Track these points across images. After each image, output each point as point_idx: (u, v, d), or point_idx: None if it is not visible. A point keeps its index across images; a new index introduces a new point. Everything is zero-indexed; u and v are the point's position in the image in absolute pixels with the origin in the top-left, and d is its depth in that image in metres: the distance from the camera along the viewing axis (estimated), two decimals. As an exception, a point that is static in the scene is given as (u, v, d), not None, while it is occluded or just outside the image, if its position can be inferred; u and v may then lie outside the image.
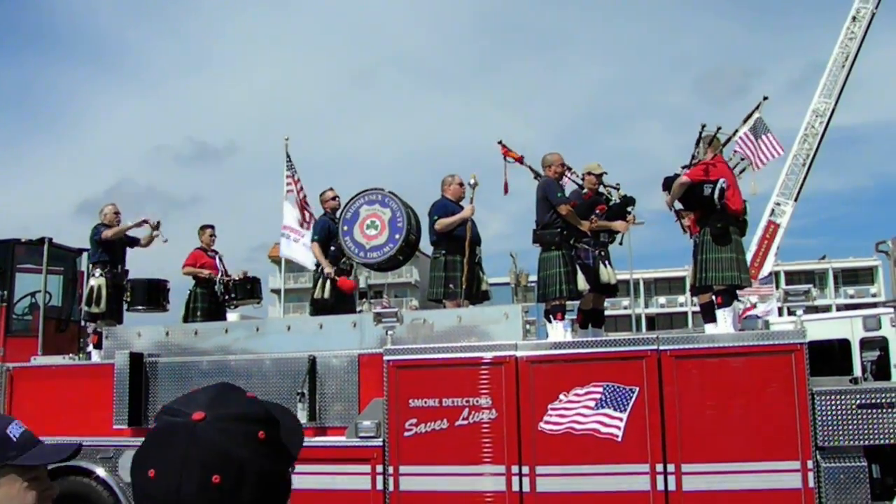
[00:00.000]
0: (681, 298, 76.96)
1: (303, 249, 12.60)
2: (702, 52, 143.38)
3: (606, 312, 11.04)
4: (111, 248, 11.12)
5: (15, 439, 2.13)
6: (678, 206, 9.33)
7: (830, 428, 7.45)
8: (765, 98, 10.43)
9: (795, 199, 30.52)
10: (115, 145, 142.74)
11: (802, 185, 30.71)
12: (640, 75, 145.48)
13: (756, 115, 10.18)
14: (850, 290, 74.06)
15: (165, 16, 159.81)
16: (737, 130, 9.85)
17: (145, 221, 11.46)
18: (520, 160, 10.54)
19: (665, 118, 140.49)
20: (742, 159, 9.97)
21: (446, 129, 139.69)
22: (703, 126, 9.08)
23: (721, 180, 8.42)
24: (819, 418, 7.45)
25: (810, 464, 7.36)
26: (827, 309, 55.06)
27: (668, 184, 8.98)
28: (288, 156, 13.55)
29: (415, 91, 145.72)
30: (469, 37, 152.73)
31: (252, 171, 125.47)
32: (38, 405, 9.91)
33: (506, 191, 10.58)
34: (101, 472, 9.16)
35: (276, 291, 53.66)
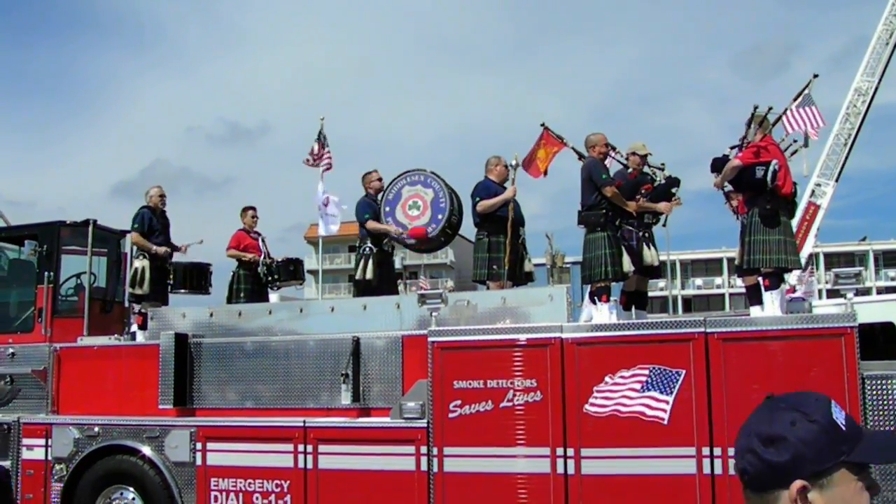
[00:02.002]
0: (718, 280, 76.43)
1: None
2: (741, 29, 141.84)
3: (643, 294, 10.94)
4: (155, 231, 11.23)
5: (844, 428, 1.81)
6: (728, 187, 9.21)
7: (881, 412, 7.32)
8: (815, 76, 10.25)
9: (836, 180, 30.14)
10: (149, 127, 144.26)
11: (843, 165, 30.31)
12: (679, 52, 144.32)
13: (806, 92, 10.00)
14: (892, 273, 73.06)
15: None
16: (786, 109, 9.66)
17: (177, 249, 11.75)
18: (562, 143, 10.49)
19: (705, 96, 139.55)
20: (794, 140, 9.81)
21: (484, 108, 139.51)
22: (756, 107, 8.92)
23: (773, 162, 8.28)
24: (869, 403, 7.32)
25: (860, 449, 7.24)
26: (867, 291, 54.39)
27: (716, 165, 8.85)
28: (321, 134, 13.54)
29: (451, 71, 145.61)
30: (506, 16, 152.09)
31: (285, 151, 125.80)
32: (85, 385, 10.07)
33: (545, 173, 10.53)
34: (147, 450, 9.26)
35: (313, 272, 53.90)
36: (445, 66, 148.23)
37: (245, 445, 8.91)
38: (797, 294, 16.36)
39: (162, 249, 11.22)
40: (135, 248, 11.35)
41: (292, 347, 9.18)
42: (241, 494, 8.82)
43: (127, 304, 11.84)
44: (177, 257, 11.65)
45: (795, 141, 9.82)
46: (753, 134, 8.74)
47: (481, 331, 8.34)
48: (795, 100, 9.79)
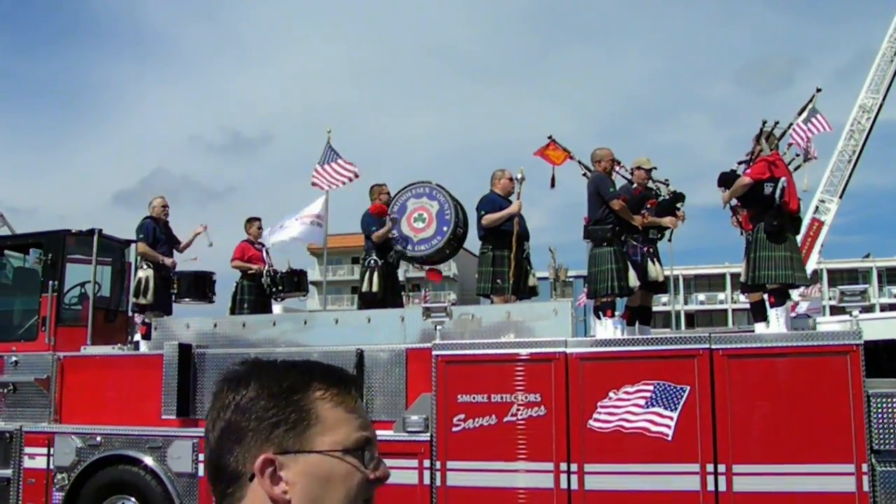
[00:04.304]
0: (720, 295, 76.34)
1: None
2: (746, 43, 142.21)
3: (646, 309, 10.90)
4: (159, 241, 11.24)
5: None
6: (734, 201, 9.21)
7: (886, 431, 7.28)
8: (818, 90, 10.24)
9: (840, 196, 30.13)
10: (150, 135, 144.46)
11: (848, 181, 30.31)
12: (684, 67, 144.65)
13: (810, 107, 10.00)
14: (895, 290, 72.94)
15: (203, 3, 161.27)
16: (791, 124, 9.65)
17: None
18: (568, 155, 10.49)
19: (710, 111, 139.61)
20: (797, 155, 9.80)
21: (490, 121, 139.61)
22: (765, 122, 8.94)
23: (782, 179, 8.30)
24: (875, 421, 7.29)
25: (865, 467, 7.20)
26: (870, 309, 54.23)
27: (723, 179, 8.86)
28: (331, 147, 13.46)
29: (458, 83, 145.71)
30: (512, 29, 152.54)
31: (287, 161, 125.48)
32: (88, 394, 10.05)
33: (552, 185, 10.53)
34: (149, 461, 9.24)
35: (316, 283, 53.88)
36: (452, 78, 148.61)
37: (247, 457, 8.86)
38: (801, 310, 16.32)
39: (170, 261, 11.23)
40: (139, 257, 11.36)
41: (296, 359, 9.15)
42: (242, 506, 8.78)
43: (131, 314, 11.84)
44: (181, 265, 11.65)
45: (798, 156, 9.80)
46: (767, 149, 8.72)
47: (485, 345, 8.33)
48: (800, 114, 9.77)
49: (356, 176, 12.72)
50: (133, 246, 11.82)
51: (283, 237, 12.78)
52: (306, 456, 1.47)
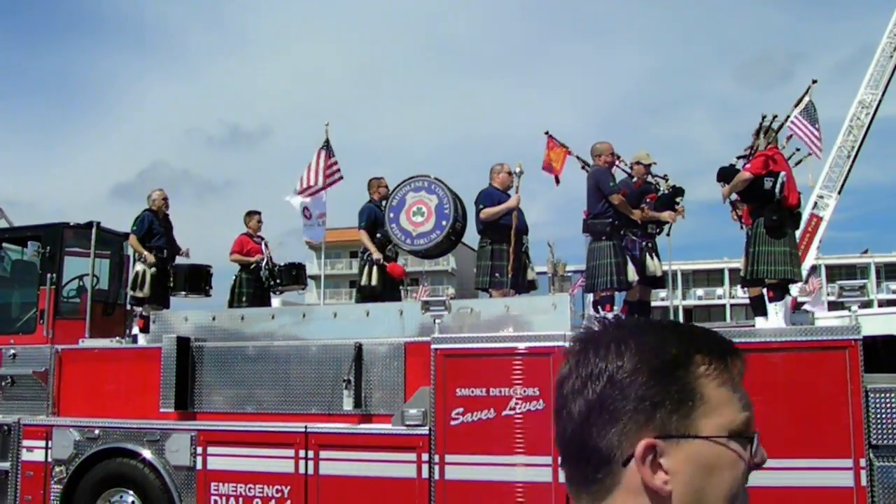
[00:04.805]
0: (719, 290, 76.36)
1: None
2: (747, 37, 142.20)
3: (644, 303, 10.90)
4: (156, 234, 11.22)
5: None
6: (734, 196, 9.20)
7: (885, 426, 7.28)
8: (814, 81, 10.22)
9: (839, 192, 30.12)
10: (149, 128, 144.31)
11: (846, 177, 30.29)
12: (685, 61, 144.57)
13: (806, 98, 9.95)
14: (893, 285, 72.98)
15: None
16: (788, 116, 9.62)
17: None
18: (566, 150, 10.49)
19: (710, 105, 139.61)
20: (797, 149, 9.78)
21: (489, 115, 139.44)
22: (764, 116, 8.93)
23: (782, 174, 8.29)
24: (873, 416, 7.28)
25: (863, 462, 7.20)
26: (869, 304, 54.29)
27: (722, 174, 8.85)
28: (328, 142, 13.44)
29: (458, 76, 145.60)
30: (512, 22, 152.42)
31: (286, 154, 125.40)
32: (86, 387, 10.04)
33: (557, 182, 10.54)
34: (147, 454, 9.22)
35: (314, 277, 53.87)
36: (451, 71, 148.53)
37: (246, 450, 8.87)
38: (806, 307, 16.32)
39: (151, 257, 11.14)
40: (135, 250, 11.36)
41: (294, 352, 9.15)
42: (241, 499, 8.78)
43: (129, 307, 11.83)
44: (179, 258, 11.65)
45: (798, 150, 9.78)
46: (764, 144, 8.72)
47: (484, 338, 8.31)
48: (796, 106, 9.73)
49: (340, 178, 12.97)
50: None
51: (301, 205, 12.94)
52: (689, 441, 1.32)
